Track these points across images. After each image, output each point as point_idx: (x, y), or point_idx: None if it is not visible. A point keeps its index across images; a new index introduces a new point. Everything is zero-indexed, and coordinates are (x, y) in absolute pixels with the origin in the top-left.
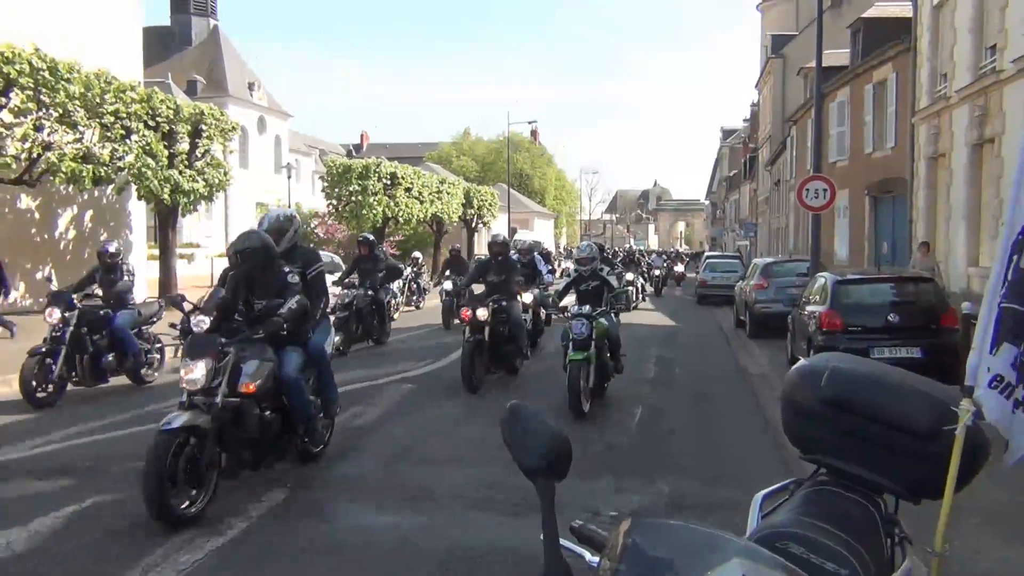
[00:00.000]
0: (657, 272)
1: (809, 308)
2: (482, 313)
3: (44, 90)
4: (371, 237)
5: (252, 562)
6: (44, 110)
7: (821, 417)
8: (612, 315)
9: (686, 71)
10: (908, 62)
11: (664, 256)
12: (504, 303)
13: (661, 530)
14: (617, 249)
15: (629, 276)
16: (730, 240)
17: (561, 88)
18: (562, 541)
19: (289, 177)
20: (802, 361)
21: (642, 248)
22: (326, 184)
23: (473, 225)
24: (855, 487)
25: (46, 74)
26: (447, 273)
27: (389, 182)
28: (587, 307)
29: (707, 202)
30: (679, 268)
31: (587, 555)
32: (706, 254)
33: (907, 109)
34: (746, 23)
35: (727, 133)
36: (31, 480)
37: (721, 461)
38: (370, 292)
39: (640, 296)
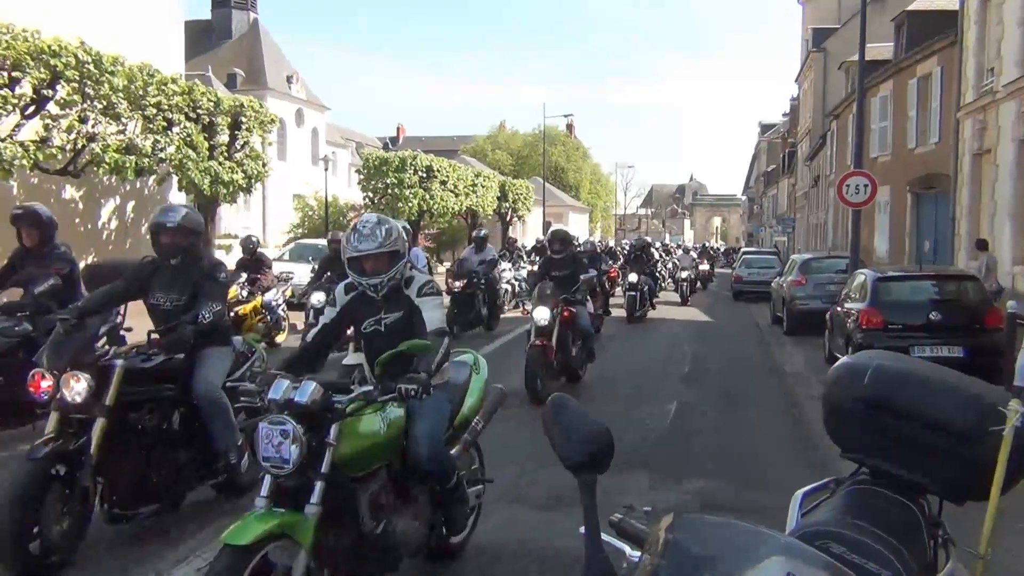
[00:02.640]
0: (686, 274)
1: (848, 305)
2: (543, 316)
3: (89, 82)
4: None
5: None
6: (89, 102)
7: (863, 416)
8: (584, 304)
9: (724, 66)
10: (954, 56)
11: (693, 252)
12: (571, 306)
13: (703, 526)
14: (619, 243)
15: (632, 278)
16: (767, 236)
17: (597, 85)
18: (603, 535)
19: (326, 169)
20: (844, 359)
21: (667, 243)
22: (362, 176)
23: (508, 218)
24: (897, 487)
25: (91, 67)
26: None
27: (425, 175)
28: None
29: (744, 197)
30: (704, 267)
31: (628, 549)
32: (742, 250)
33: (952, 104)
34: (786, 17)
35: (765, 128)
36: None
37: (755, 459)
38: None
39: (648, 303)
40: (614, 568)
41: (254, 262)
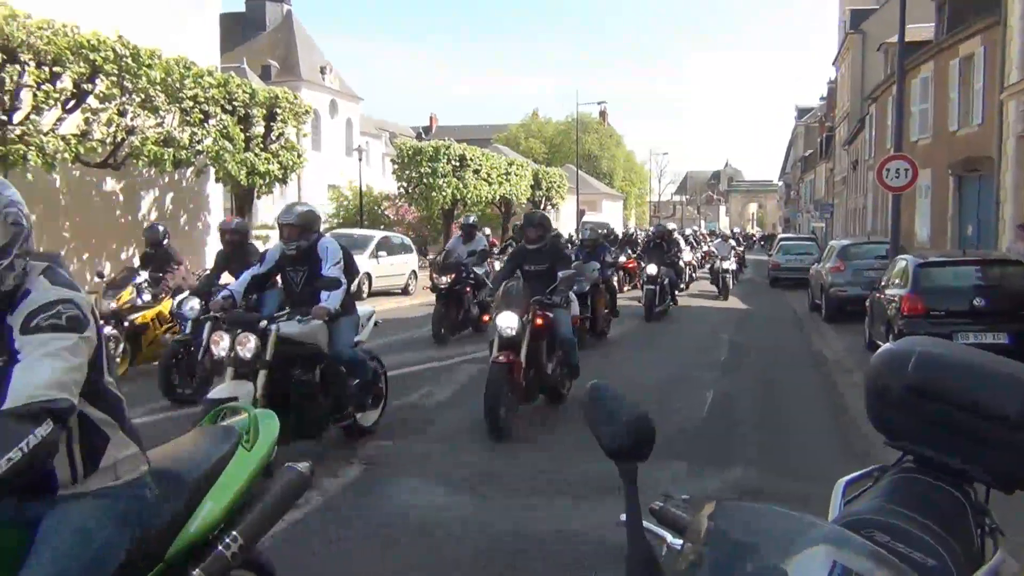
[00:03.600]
0: (726, 266)
1: (889, 292)
2: (509, 324)
3: (127, 76)
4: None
5: (326, 536)
6: (127, 95)
7: (907, 403)
8: (565, 307)
9: (759, 50)
10: (997, 36)
11: (732, 240)
12: (548, 310)
13: (746, 513)
14: (633, 229)
15: (651, 270)
16: (804, 222)
17: (630, 73)
18: (644, 523)
19: (360, 159)
20: (887, 345)
21: (695, 229)
22: (396, 166)
23: (542, 206)
24: (943, 475)
25: (129, 60)
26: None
27: (458, 164)
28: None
29: (780, 183)
30: (729, 265)
31: (669, 537)
32: (779, 236)
33: (995, 85)
34: None
35: (802, 112)
36: None
37: (795, 448)
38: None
39: (670, 298)
40: (656, 555)
41: (158, 256)
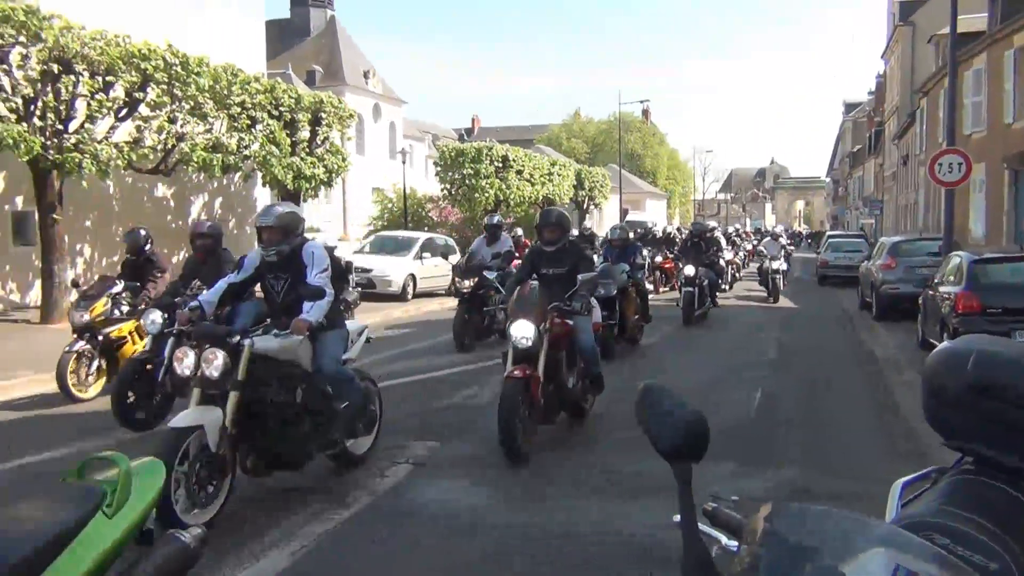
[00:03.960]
0: (776, 266)
1: (943, 289)
2: (525, 334)
3: (177, 84)
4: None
5: (375, 536)
6: (177, 103)
7: (966, 403)
8: (587, 314)
9: (806, 45)
10: None
11: (783, 238)
12: (567, 318)
13: (804, 515)
14: (673, 228)
15: (689, 271)
16: (853, 218)
17: (672, 70)
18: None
19: (403, 162)
20: (945, 344)
21: (739, 227)
22: (439, 168)
23: (584, 206)
24: (1004, 476)
25: (179, 69)
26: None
27: (501, 165)
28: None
29: (828, 179)
30: (779, 265)
31: (723, 538)
32: (828, 233)
33: None
34: None
35: (850, 107)
36: None
37: (845, 448)
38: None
39: (710, 300)
40: (711, 557)
41: (139, 264)
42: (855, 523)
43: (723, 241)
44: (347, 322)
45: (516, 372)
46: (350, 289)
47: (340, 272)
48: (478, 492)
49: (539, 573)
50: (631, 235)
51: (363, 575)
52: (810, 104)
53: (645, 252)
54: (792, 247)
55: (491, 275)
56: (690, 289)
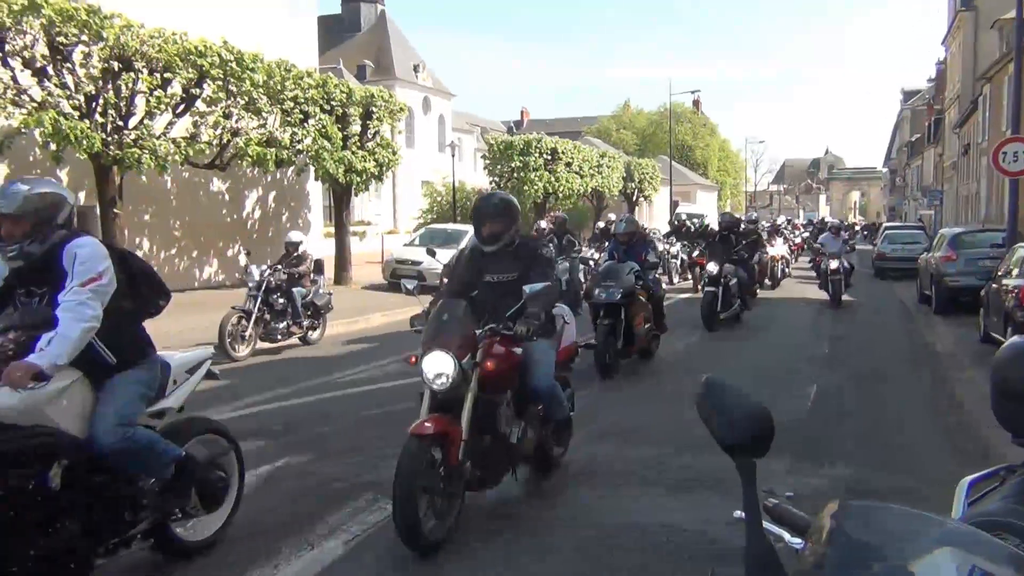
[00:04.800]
0: (835, 264)
1: (1007, 282)
2: (439, 370)
3: (232, 80)
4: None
5: None
6: (232, 99)
7: None
8: (549, 334)
9: (861, 31)
10: None
11: (844, 233)
12: (511, 344)
13: (871, 513)
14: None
15: (712, 268)
16: (911, 210)
17: (724, 59)
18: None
19: (453, 155)
20: (1015, 338)
21: (789, 219)
22: (488, 161)
23: (634, 198)
24: None
25: (234, 65)
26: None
27: (550, 157)
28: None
29: (885, 170)
30: (839, 265)
31: (786, 536)
32: (884, 225)
33: None
34: None
35: (908, 95)
36: None
37: (905, 445)
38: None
39: (739, 302)
40: (776, 554)
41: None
42: (924, 521)
43: (765, 235)
44: (174, 354)
45: (426, 425)
46: (320, 292)
47: (139, 279)
48: (526, 483)
49: (595, 568)
50: (691, 224)
51: (415, 564)
52: (866, 93)
53: (671, 246)
54: (853, 243)
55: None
56: (712, 289)
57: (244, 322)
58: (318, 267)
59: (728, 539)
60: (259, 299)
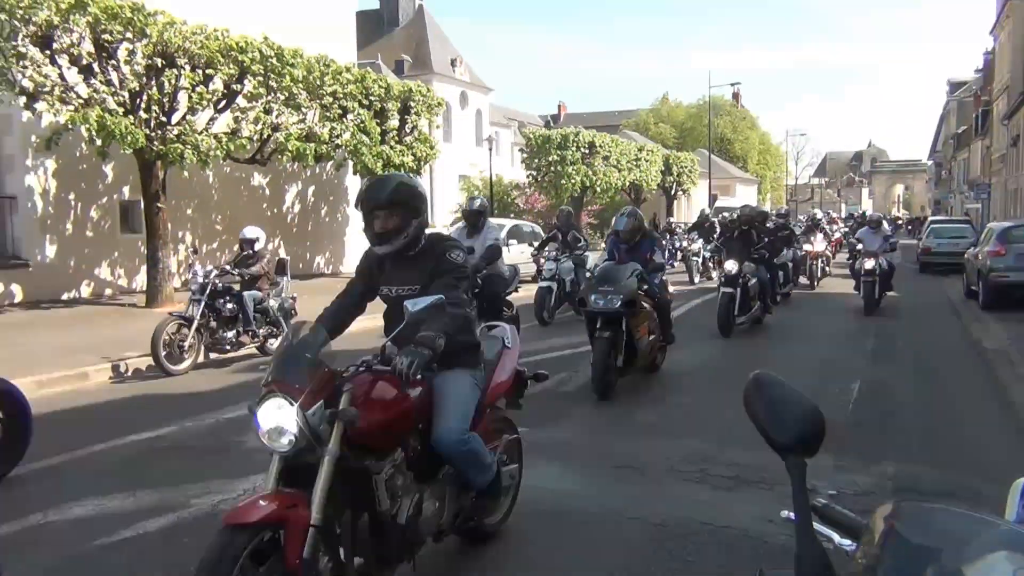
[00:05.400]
0: (869, 265)
1: None
2: (277, 423)
3: (272, 76)
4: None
5: None
6: (272, 94)
7: None
8: (412, 375)
9: (906, 21)
10: None
11: (887, 226)
12: (380, 379)
13: (925, 514)
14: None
15: (730, 266)
16: (957, 203)
17: (764, 53)
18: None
19: (490, 149)
20: None
21: (829, 212)
22: (525, 155)
23: (672, 192)
24: None
25: (274, 61)
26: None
27: (587, 151)
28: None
29: (930, 162)
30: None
31: (836, 537)
32: (930, 218)
33: None
34: None
35: (955, 86)
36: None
37: (954, 443)
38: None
39: (761, 305)
40: (827, 556)
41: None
42: (978, 523)
43: (801, 230)
44: None
45: (249, 509)
46: (283, 295)
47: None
48: (571, 478)
49: (641, 564)
50: (722, 218)
51: (458, 557)
52: (911, 84)
53: (692, 243)
54: (893, 241)
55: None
56: (729, 291)
57: (184, 330)
58: (281, 267)
59: (779, 537)
60: (203, 304)
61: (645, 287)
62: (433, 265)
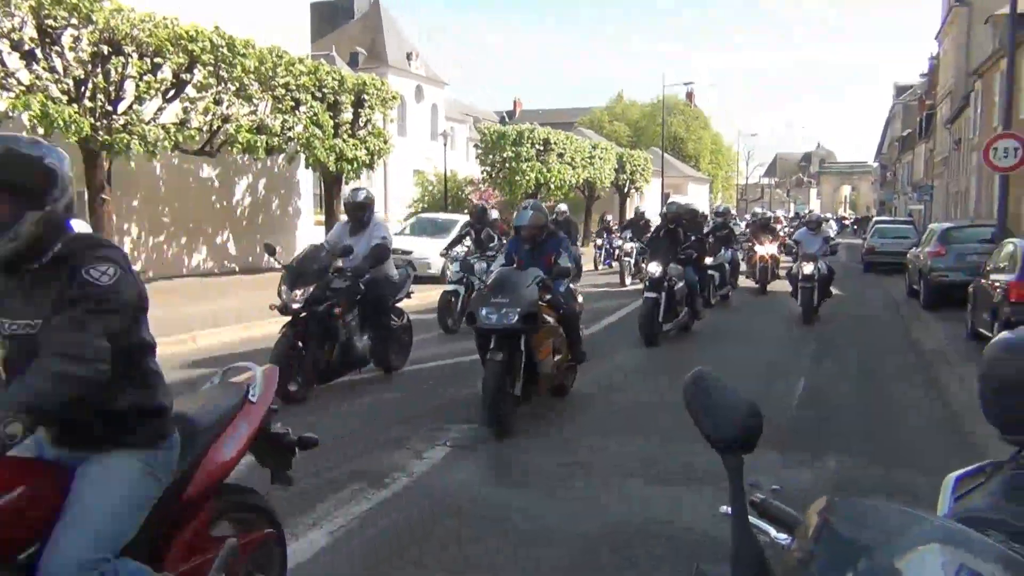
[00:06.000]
0: (809, 268)
1: (995, 277)
2: None
3: (223, 66)
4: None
5: (411, 518)
6: (223, 84)
7: None
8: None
9: (854, 26)
10: None
11: (829, 227)
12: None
13: (858, 509)
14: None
15: (654, 269)
16: (901, 204)
17: (717, 54)
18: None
19: (445, 144)
20: (1004, 334)
21: (775, 213)
22: (480, 151)
23: (625, 190)
24: None
25: (225, 51)
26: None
27: (542, 148)
28: None
29: (876, 164)
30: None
31: (772, 531)
32: (874, 219)
33: None
34: None
35: (901, 90)
36: None
37: (894, 440)
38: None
39: (686, 311)
40: (762, 550)
41: None
42: (911, 518)
43: (747, 231)
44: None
45: None
46: None
47: None
48: (515, 476)
49: (581, 561)
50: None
51: (399, 555)
52: (858, 87)
53: (625, 242)
54: (834, 244)
55: (339, 282)
56: (653, 295)
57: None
58: None
59: (719, 534)
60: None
61: (548, 297)
62: (60, 289)
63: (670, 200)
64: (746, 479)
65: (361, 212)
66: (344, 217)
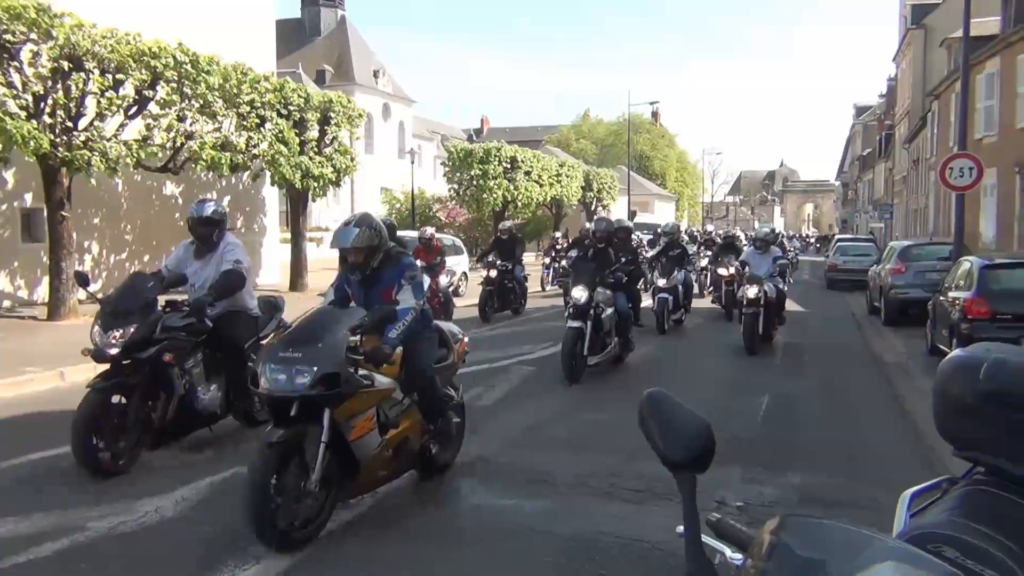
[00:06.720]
0: (753, 292)
1: (952, 294)
2: None
3: (187, 82)
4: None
5: (375, 539)
6: (187, 101)
7: (979, 412)
8: None
9: (817, 47)
10: None
11: (779, 248)
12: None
13: (811, 528)
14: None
15: (578, 294)
16: (862, 222)
17: (684, 69)
18: (703, 537)
19: (412, 162)
20: (957, 352)
21: (727, 231)
22: (448, 168)
23: (592, 208)
24: (1016, 488)
25: (189, 67)
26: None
27: (509, 166)
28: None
29: (838, 183)
30: (758, 293)
31: (727, 551)
32: (837, 237)
33: None
34: None
35: (861, 110)
36: (183, 452)
37: (856, 455)
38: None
39: (613, 343)
40: (716, 571)
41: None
42: (863, 537)
43: (708, 251)
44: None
45: None
46: None
47: None
48: (487, 493)
49: (548, 574)
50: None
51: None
52: (821, 107)
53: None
54: (786, 262)
55: (176, 320)
56: (576, 325)
57: None
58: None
59: (680, 552)
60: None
61: (365, 351)
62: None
63: (597, 217)
64: (713, 496)
65: (208, 229)
66: (229, 236)
